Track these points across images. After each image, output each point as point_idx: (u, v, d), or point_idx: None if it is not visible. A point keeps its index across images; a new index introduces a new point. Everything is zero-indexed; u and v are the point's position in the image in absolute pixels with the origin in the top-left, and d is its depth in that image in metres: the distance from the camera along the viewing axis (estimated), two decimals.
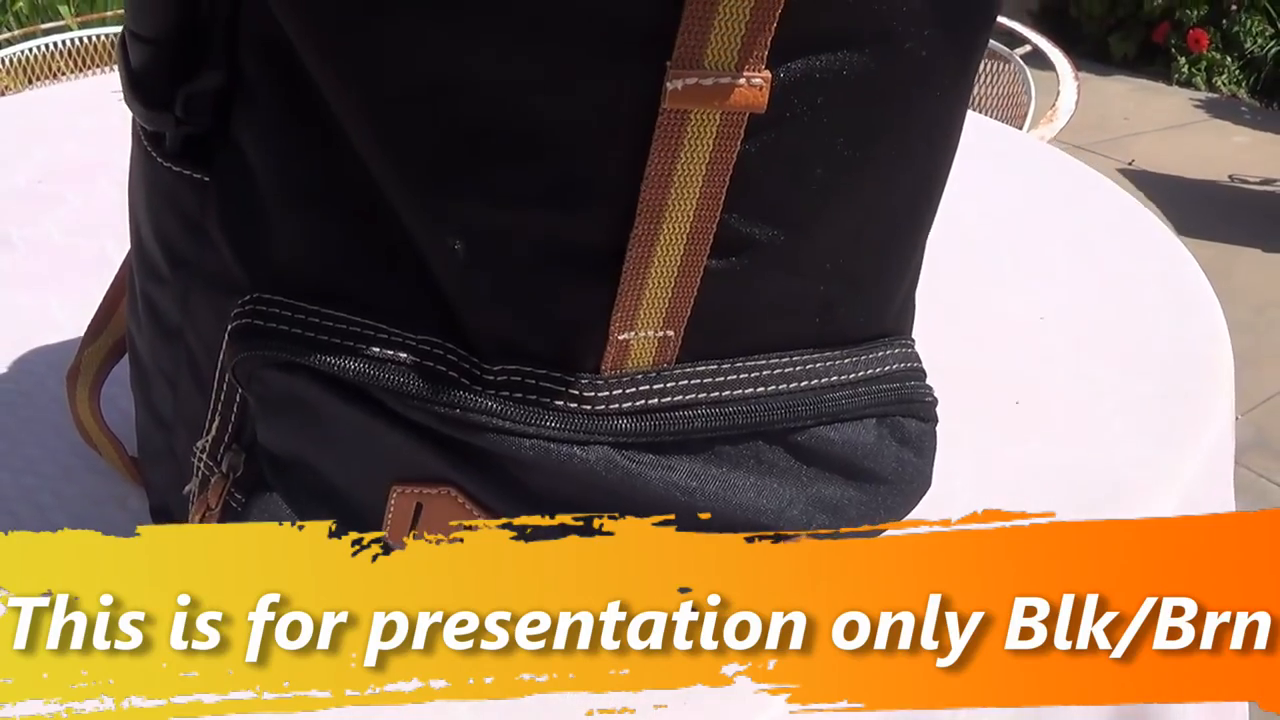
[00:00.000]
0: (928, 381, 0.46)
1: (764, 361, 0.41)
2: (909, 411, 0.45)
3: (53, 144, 1.00)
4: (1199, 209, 2.83)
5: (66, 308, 0.75)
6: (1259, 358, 2.23)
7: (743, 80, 0.33)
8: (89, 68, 1.65)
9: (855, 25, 0.34)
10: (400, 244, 0.37)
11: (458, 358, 0.38)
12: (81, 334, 0.73)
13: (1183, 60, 3.64)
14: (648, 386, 0.39)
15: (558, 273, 0.36)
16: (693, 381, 0.40)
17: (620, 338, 0.38)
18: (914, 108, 0.38)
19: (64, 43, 1.58)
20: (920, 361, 0.46)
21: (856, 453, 0.43)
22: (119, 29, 1.77)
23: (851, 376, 0.43)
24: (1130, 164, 3.08)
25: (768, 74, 0.33)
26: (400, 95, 0.34)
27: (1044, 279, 0.77)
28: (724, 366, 0.40)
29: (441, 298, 0.37)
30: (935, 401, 0.46)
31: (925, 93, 0.38)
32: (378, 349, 0.38)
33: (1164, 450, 0.59)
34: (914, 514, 0.48)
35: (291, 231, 0.38)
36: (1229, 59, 3.61)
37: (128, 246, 0.82)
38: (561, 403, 0.38)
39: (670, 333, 0.38)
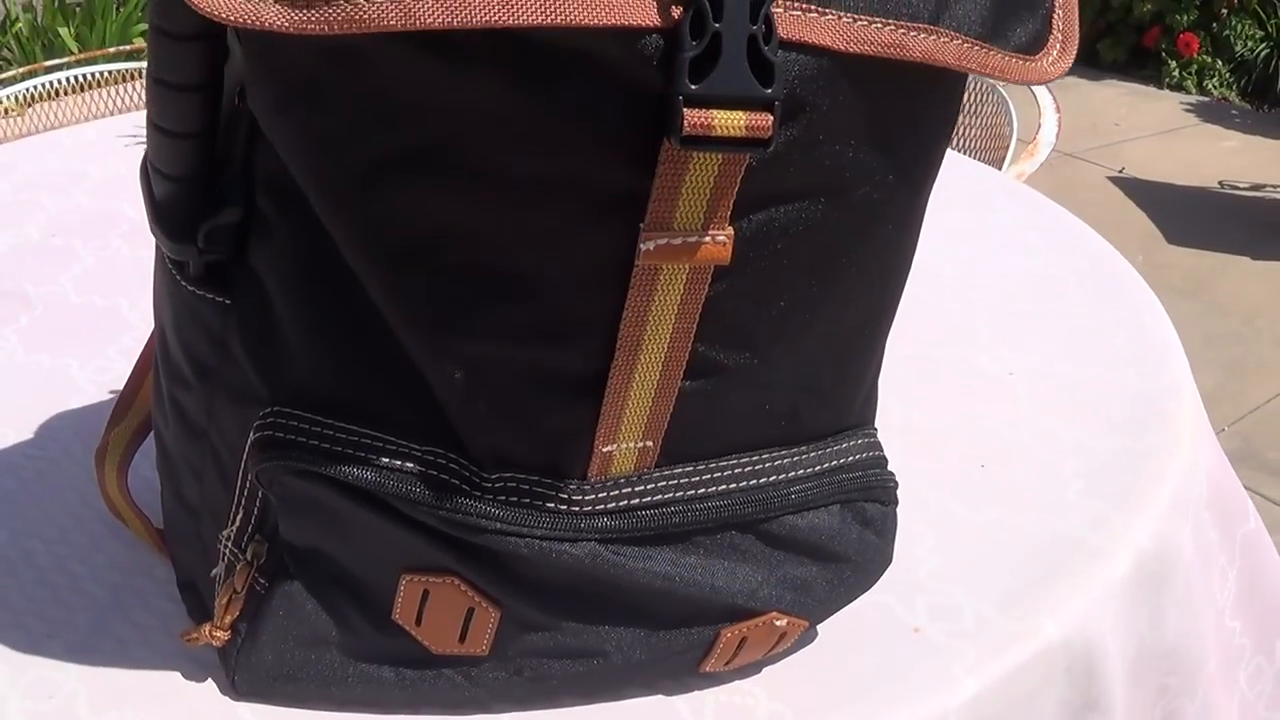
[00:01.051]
0: (892, 454, 0.51)
1: (735, 461, 0.46)
2: (870, 496, 0.49)
3: (62, 192, 1.04)
4: (1189, 217, 2.88)
5: (86, 369, 0.79)
6: (1247, 368, 2.28)
7: (708, 238, 0.38)
8: (90, 88, 1.69)
9: (809, 182, 0.39)
10: (407, 368, 0.41)
11: (459, 466, 0.43)
12: (101, 397, 0.78)
13: (1173, 64, 3.69)
14: (629, 489, 0.44)
15: (547, 396, 0.41)
16: (670, 482, 0.45)
17: (604, 450, 0.43)
18: (868, 242, 0.43)
19: (65, 80, 1.63)
20: (882, 449, 0.50)
21: (822, 537, 0.48)
22: (118, 66, 1.79)
23: (817, 469, 0.48)
24: (1121, 172, 3.13)
25: (730, 231, 0.38)
26: (400, 249, 0.39)
27: (1015, 331, 0.82)
28: (699, 467, 0.45)
29: (444, 414, 0.42)
30: (895, 485, 0.51)
31: (878, 228, 0.43)
32: (387, 459, 0.43)
33: (1120, 511, 0.63)
34: (879, 584, 0.52)
35: (307, 355, 0.43)
36: (1219, 62, 3.66)
37: (141, 305, 0.86)
38: (552, 505, 0.43)
39: (649, 443, 0.43)
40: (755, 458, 0.46)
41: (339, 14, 0.32)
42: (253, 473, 0.44)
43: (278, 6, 0.32)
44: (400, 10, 0.32)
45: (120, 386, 0.79)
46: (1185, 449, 0.69)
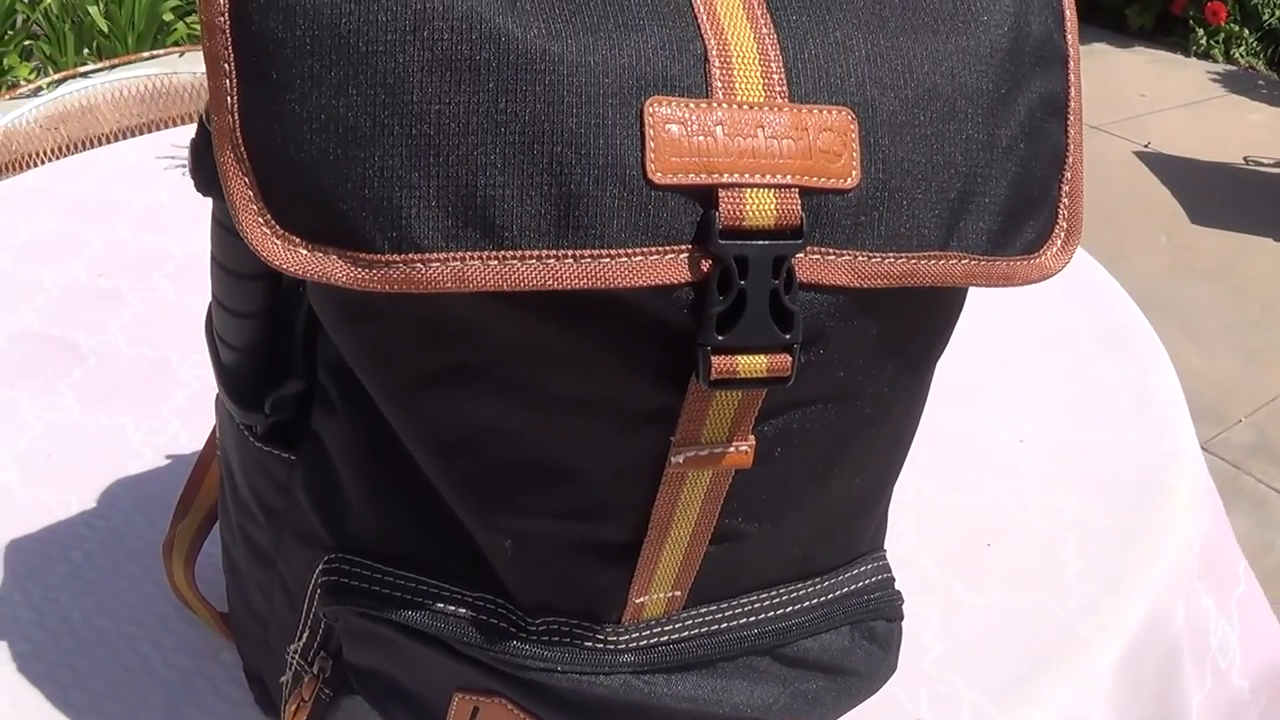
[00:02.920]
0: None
1: (755, 598, 0.51)
2: (878, 615, 0.55)
3: (106, 225, 1.09)
4: (1213, 195, 2.90)
5: (141, 430, 0.85)
6: (1265, 357, 2.31)
7: (733, 448, 0.43)
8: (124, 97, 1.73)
9: (824, 392, 0.44)
10: (461, 532, 0.47)
11: (507, 610, 0.48)
12: (158, 461, 0.83)
13: (1201, 32, 3.68)
14: (659, 628, 0.49)
15: (586, 560, 0.46)
16: (696, 620, 0.50)
17: (637, 601, 0.48)
18: (880, 425, 0.48)
19: (99, 87, 1.67)
20: (890, 570, 0.55)
21: (833, 655, 0.53)
22: (152, 72, 1.82)
23: (830, 597, 0.53)
24: (1147, 146, 3.14)
25: (753, 440, 0.43)
26: (450, 442, 0.44)
27: (1026, 392, 0.87)
28: (721, 606, 0.50)
29: (494, 570, 0.47)
30: (902, 602, 0.56)
31: (890, 413, 0.48)
32: (442, 605, 0.48)
33: (1112, 596, 0.68)
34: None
35: (368, 514, 0.48)
36: (1246, 31, 3.64)
37: (190, 359, 0.91)
38: (589, 644, 0.49)
39: (677, 592, 0.49)
40: (773, 593, 0.51)
41: (399, 275, 0.37)
42: (319, 610, 0.50)
43: (342, 264, 0.37)
44: (455, 274, 0.37)
45: (174, 450, 0.84)
46: (1180, 526, 0.74)
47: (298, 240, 0.37)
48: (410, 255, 0.37)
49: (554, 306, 0.39)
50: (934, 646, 0.65)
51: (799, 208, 0.38)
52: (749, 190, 0.38)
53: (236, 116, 0.37)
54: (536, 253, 0.37)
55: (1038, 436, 0.82)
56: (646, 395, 0.41)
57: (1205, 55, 3.69)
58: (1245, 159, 3.07)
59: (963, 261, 0.42)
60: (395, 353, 0.42)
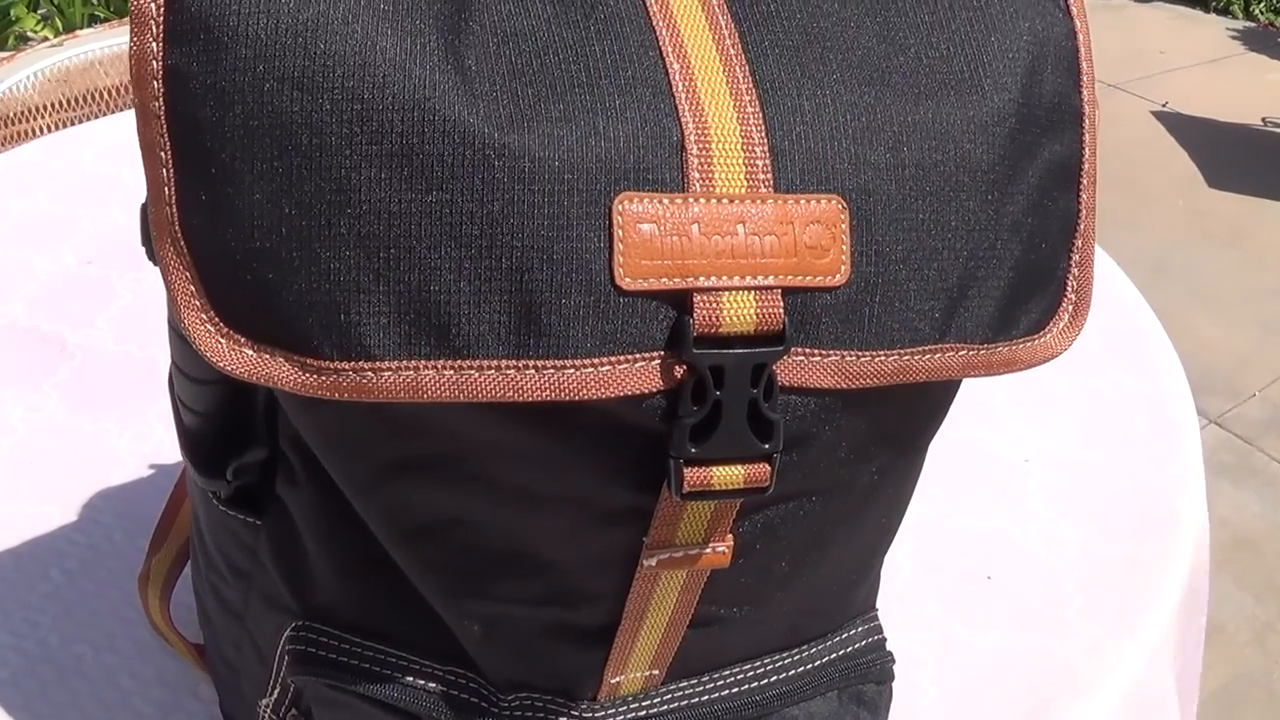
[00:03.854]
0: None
1: (738, 669, 0.48)
2: (867, 678, 0.52)
3: (99, 206, 1.06)
4: (1231, 157, 2.84)
5: (125, 437, 0.82)
6: None
7: (709, 549, 0.40)
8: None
9: (808, 486, 0.41)
10: (430, 606, 0.44)
11: (478, 685, 0.46)
12: (141, 471, 0.81)
13: None
14: (636, 704, 0.47)
15: (559, 643, 0.44)
16: (675, 694, 0.48)
17: (613, 680, 0.45)
18: (867, 508, 0.45)
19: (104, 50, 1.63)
20: (881, 631, 0.53)
21: None
22: None
23: (816, 664, 0.50)
24: (1164, 106, 3.07)
25: (730, 540, 0.40)
26: (415, 529, 0.41)
27: (1035, 407, 0.84)
28: (702, 680, 0.48)
29: (464, 645, 0.45)
30: (893, 662, 0.53)
31: (880, 496, 0.45)
32: (411, 678, 0.46)
33: (1114, 638, 0.66)
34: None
35: (335, 585, 0.45)
36: None
37: None
38: None
39: (655, 671, 0.46)
40: (756, 664, 0.49)
41: (348, 383, 0.34)
42: (287, 677, 0.48)
43: (289, 368, 0.34)
44: (408, 384, 0.34)
45: (158, 459, 0.82)
46: (1184, 560, 0.71)
47: (243, 340, 0.34)
48: (360, 364, 0.34)
49: (520, 410, 0.36)
50: (929, 691, 0.63)
51: (781, 310, 0.35)
52: (726, 294, 0.34)
53: (175, 209, 0.34)
54: (495, 363, 0.34)
55: (1046, 456, 0.79)
56: (618, 495, 0.38)
57: (1225, 11, 3.60)
58: (1264, 120, 3.01)
59: (960, 352, 0.39)
60: (355, 441, 0.39)
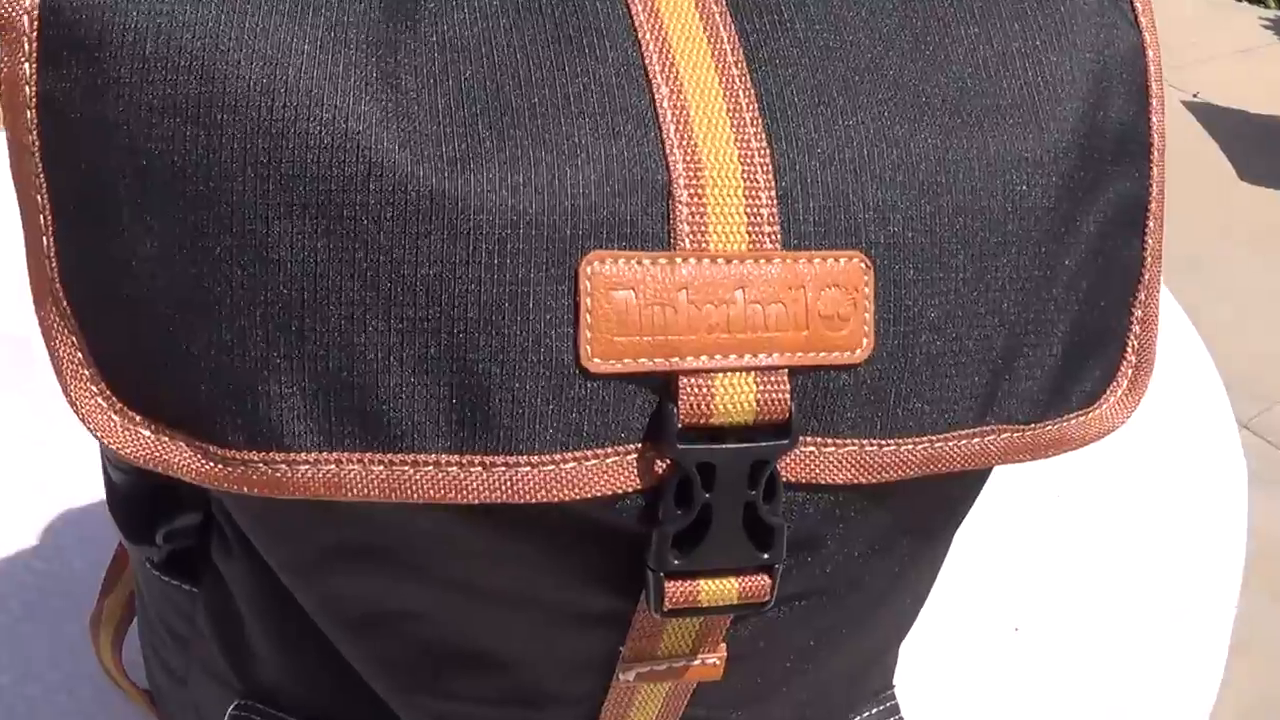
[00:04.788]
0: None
1: None
2: None
3: None
4: (1263, 150, 2.74)
5: (88, 452, 0.76)
6: None
7: (697, 661, 0.33)
8: None
9: (818, 586, 0.34)
10: (377, 697, 0.38)
11: None
12: (101, 496, 0.75)
13: None
14: None
15: None
16: None
17: None
18: (888, 600, 0.38)
19: None
20: (899, 711, 0.46)
21: None
22: None
23: None
24: (1195, 96, 2.97)
25: (723, 651, 0.33)
26: (360, 620, 0.35)
27: None
28: None
29: None
30: None
31: (903, 583, 0.38)
32: None
33: (1161, 698, 0.59)
34: None
35: (277, 664, 0.39)
36: None
37: None
38: None
39: None
40: None
41: (259, 476, 0.28)
42: None
43: (191, 455, 0.28)
44: (329, 480, 0.28)
45: None
46: (1231, 603, 0.65)
47: (138, 418, 0.28)
48: (272, 454, 0.27)
49: (470, 506, 0.29)
50: None
51: (788, 395, 0.28)
52: (720, 377, 0.28)
53: (55, 263, 0.27)
54: (434, 457, 0.27)
55: (1080, 491, 0.72)
56: (590, 599, 0.32)
57: (1257, 0, 3.48)
58: None
59: (1002, 435, 0.32)
60: (285, 523, 0.33)
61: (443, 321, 0.26)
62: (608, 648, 0.33)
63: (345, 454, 0.28)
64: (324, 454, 0.28)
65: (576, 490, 0.28)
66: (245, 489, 0.28)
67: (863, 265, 0.29)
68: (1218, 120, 2.86)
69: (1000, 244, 0.31)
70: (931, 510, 0.35)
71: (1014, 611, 0.64)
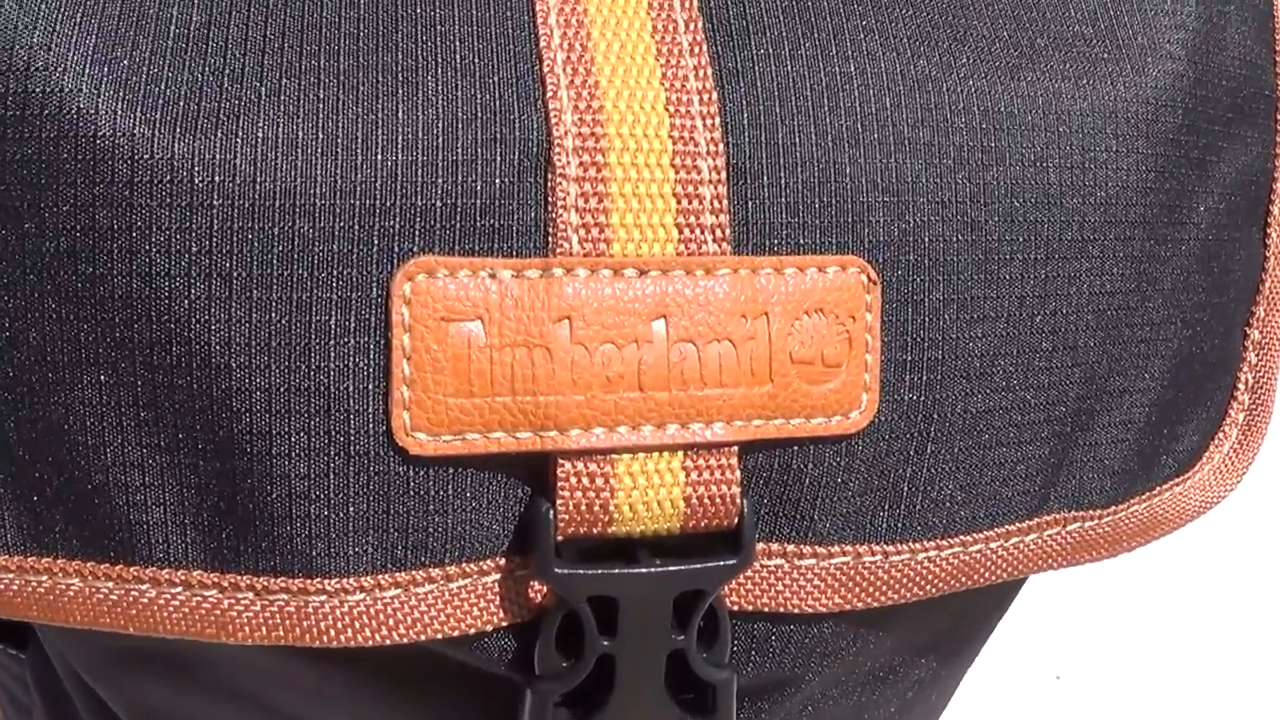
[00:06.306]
0: None
1: None
2: None
3: None
4: None
5: None
6: None
7: None
8: None
9: None
10: None
11: None
12: None
13: None
14: None
15: None
16: None
17: None
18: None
19: None
20: None
21: None
22: None
23: None
24: None
25: None
26: None
27: None
28: None
29: None
30: None
31: (916, 710, 0.27)
32: None
33: None
34: None
35: None
36: None
37: None
38: None
39: None
40: None
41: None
42: None
43: None
44: (42, 599, 0.18)
45: None
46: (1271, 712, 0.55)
47: None
48: None
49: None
50: None
51: (737, 487, 0.17)
52: (624, 460, 0.17)
53: None
54: (183, 575, 0.17)
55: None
56: None
57: None
58: None
59: (1070, 527, 0.21)
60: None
61: (185, 363, 0.16)
62: None
63: (65, 561, 0.17)
64: (33, 559, 0.18)
65: (403, 630, 0.17)
66: None
67: (864, 278, 0.18)
68: None
69: (1076, 243, 0.20)
70: (956, 624, 0.24)
71: (1056, 659, 0.55)
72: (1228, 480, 0.25)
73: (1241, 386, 0.25)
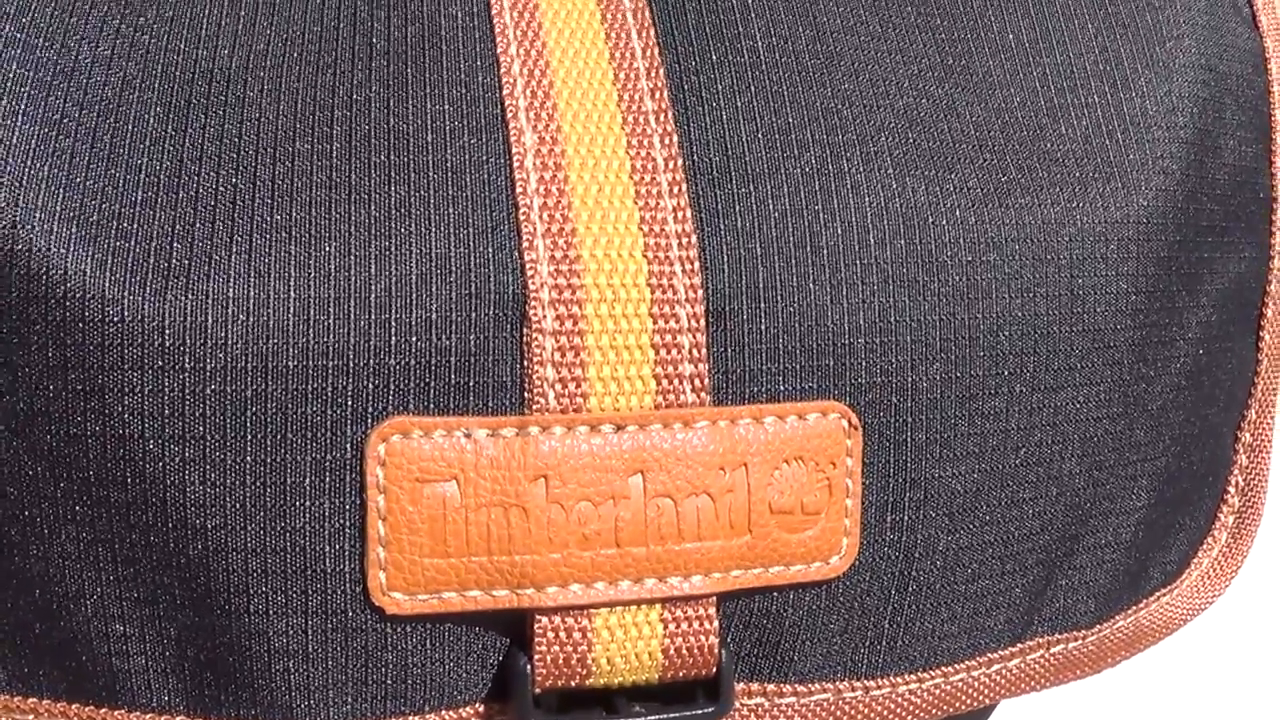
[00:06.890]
0: None
1: None
2: None
3: None
4: None
5: None
6: None
7: None
8: None
9: None
10: None
11: None
12: None
13: None
14: None
15: None
16: None
17: None
18: None
19: None
20: None
21: None
22: None
23: None
24: None
25: None
26: None
27: None
28: None
29: None
30: None
31: None
32: None
33: None
34: None
35: None
36: None
37: None
38: None
39: None
40: None
41: None
42: None
43: None
44: None
45: None
46: None
47: None
48: None
49: None
50: None
51: (715, 636, 0.17)
52: (602, 614, 0.17)
53: None
54: (167, 719, 0.17)
55: None
56: None
57: None
58: None
59: (1054, 649, 0.21)
60: None
61: (154, 528, 0.16)
62: None
63: (37, 701, 0.17)
64: (15, 699, 0.18)
65: None
66: None
67: (845, 424, 0.18)
68: None
69: (1063, 372, 0.20)
70: None
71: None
72: (1217, 585, 0.25)
73: (1232, 489, 0.25)
